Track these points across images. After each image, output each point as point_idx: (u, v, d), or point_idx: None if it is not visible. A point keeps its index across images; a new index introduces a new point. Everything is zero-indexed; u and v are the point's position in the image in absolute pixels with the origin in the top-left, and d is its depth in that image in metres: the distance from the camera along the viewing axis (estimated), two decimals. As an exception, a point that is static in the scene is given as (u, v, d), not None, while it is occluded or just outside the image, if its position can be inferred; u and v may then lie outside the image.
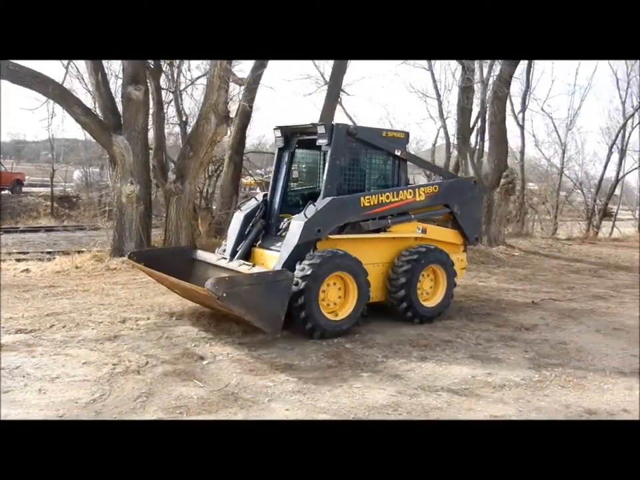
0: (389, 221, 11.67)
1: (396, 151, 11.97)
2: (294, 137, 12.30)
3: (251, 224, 11.82)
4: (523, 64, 28.58)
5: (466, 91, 24.96)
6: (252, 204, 12.26)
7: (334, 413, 7.25)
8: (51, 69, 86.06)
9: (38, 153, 64.30)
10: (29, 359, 8.89)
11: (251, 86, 22.65)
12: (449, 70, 28.42)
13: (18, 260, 17.48)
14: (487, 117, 25.82)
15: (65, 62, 19.78)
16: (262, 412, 7.23)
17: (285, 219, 11.36)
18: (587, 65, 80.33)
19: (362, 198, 11.26)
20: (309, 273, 10.12)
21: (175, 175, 17.41)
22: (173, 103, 23.50)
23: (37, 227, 33.51)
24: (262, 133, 30.15)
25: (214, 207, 24.02)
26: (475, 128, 28.28)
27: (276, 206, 12.17)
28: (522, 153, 33.40)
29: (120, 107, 17.60)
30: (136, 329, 10.49)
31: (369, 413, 7.26)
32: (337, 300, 10.73)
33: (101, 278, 14.95)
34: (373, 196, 11.43)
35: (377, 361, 9.28)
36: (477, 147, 27.94)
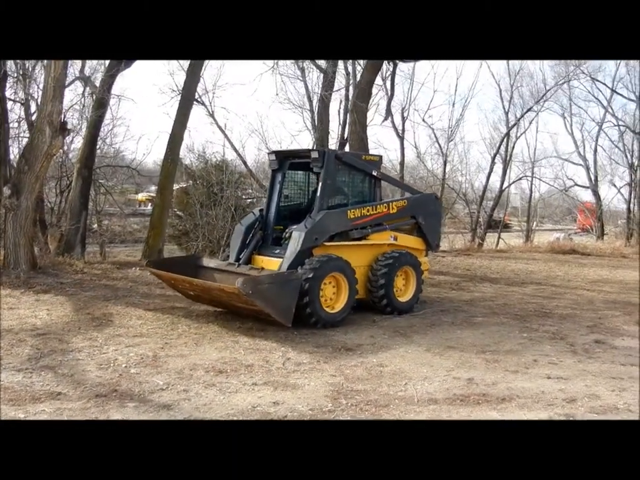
0: (369, 230, 13.95)
1: (373, 172, 14.41)
2: (287, 160, 14.43)
3: (251, 234, 13.78)
4: (389, 71, 28.36)
5: (326, 99, 24.82)
6: (251, 217, 14.26)
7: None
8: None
9: None
10: None
11: (100, 95, 22.01)
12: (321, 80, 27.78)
13: None
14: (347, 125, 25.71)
15: None
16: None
17: (287, 230, 13.57)
18: (468, 75, 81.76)
19: (348, 211, 13.62)
20: (310, 275, 12.13)
21: (10, 190, 16.62)
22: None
23: None
24: (121, 145, 29.63)
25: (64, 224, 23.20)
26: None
27: (271, 219, 14.18)
28: (401, 164, 33.35)
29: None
30: None
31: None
32: (332, 296, 12.85)
33: None
34: (357, 209, 13.73)
35: (155, 389, 8.58)
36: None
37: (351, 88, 26.55)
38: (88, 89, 24.25)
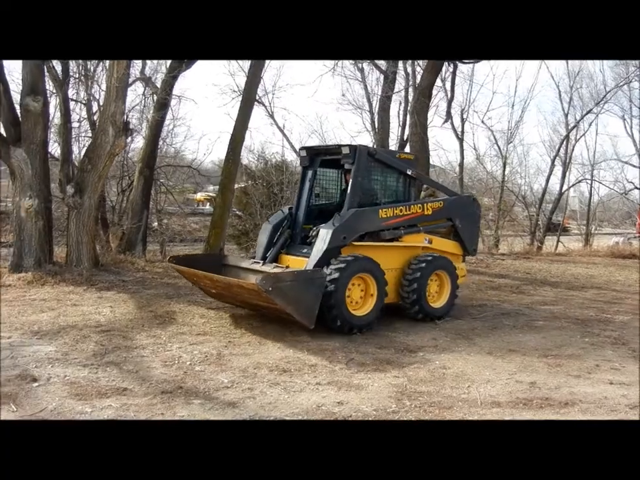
0: (402, 231, 13.28)
1: (408, 170, 13.64)
2: (318, 157, 13.82)
3: (278, 233, 13.30)
4: (448, 72, 28.22)
5: (387, 101, 24.76)
6: (279, 215, 13.78)
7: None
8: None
9: (-11, 167, 63.85)
10: None
11: (162, 96, 22.18)
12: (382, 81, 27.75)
13: None
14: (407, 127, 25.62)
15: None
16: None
17: (314, 227, 12.76)
18: (527, 77, 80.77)
19: (380, 210, 12.89)
20: (336, 276, 11.52)
21: (74, 189, 16.81)
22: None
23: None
24: (181, 145, 30.02)
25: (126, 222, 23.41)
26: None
27: (300, 218, 13.62)
28: (461, 166, 33.18)
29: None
30: (-12, 348, 9.95)
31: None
32: (359, 299, 12.19)
33: (-10, 294, 14.36)
34: (389, 209, 13.01)
35: (220, 386, 8.66)
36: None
37: (410, 89, 26.43)
38: (148, 89, 24.45)
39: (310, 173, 13.91)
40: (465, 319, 13.93)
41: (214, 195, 46.56)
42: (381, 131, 25.98)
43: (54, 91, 18.67)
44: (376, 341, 11.55)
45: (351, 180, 12.76)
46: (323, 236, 12.08)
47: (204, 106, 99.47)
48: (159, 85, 23.63)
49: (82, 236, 17.00)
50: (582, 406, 8.20)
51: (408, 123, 26.81)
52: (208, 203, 49.20)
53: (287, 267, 12.40)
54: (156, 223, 26.38)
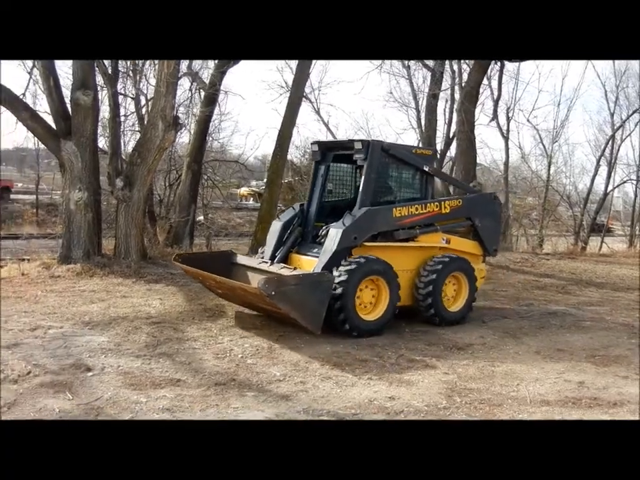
0: (418, 231, 12.57)
1: (424, 167, 12.84)
2: (330, 152, 13.23)
3: (288, 231, 12.67)
4: (494, 70, 28.13)
5: (433, 99, 24.72)
6: (290, 212, 13.09)
7: (192, 434, 6.78)
8: (15, 73, 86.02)
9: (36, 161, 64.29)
10: None
11: (210, 91, 22.30)
12: (428, 79, 27.75)
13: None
14: (453, 125, 25.57)
15: (29, 66, 19.48)
16: (115, 430, 6.80)
17: (324, 226, 12.21)
18: (573, 76, 79.98)
19: (394, 209, 12.21)
20: (345, 278, 11.00)
21: (123, 182, 16.97)
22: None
23: (18, 233, 33.43)
24: (227, 140, 30.21)
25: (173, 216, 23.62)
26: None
27: (312, 215, 13.03)
28: (506, 164, 32.94)
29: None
30: (40, 338, 10.15)
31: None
32: (370, 302, 11.62)
33: (41, 285, 14.63)
34: (404, 207, 12.33)
35: (272, 379, 8.73)
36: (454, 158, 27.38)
37: (456, 87, 26.36)
38: (195, 84, 24.59)
39: (322, 168, 13.38)
40: (512, 317, 13.82)
41: (257, 190, 46.86)
42: (428, 129, 25.93)
43: (103, 86, 18.82)
44: (425, 337, 11.56)
45: (363, 177, 12.22)
46: (333, 236, 11.58)
47: (252, 102, 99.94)
48: (206, 80, 23.80)
49: (130, 228, 17.17)
50: (630, 407, 8.15)
51: (454, 120, 26.78)
52: (251, 198, 49.50)
53: (295, 268, 11.80)
54: (202, 217, 26.58)
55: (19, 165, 72.84)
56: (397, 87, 38.37)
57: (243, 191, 49.97)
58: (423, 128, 28.54)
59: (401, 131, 58.51)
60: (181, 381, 8.45)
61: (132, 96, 22.54)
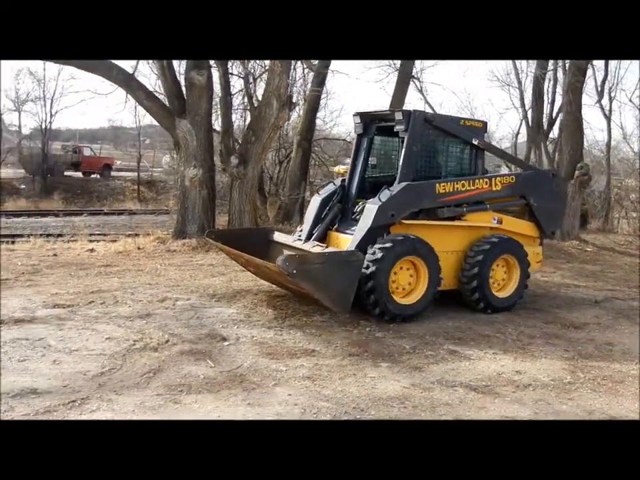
0: (464, 209, 11.64)
1: (473, 140, 11.88)
2: (372, 124, 12.36)
3: (327, 208, 11.93)
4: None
5: (541, 80, 24.49)
6: (330, 188, 12.37)
7: (336, 401, 7.05)
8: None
9: (135, 138, 65.33)
10: (55, 331, 9.09)
11: (320, 70, 22.51)
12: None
13: (90, 240, 17.98)
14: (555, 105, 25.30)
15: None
16: (263, 396, 7.13)
17: (360, 203, 11.51)
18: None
19: (437, 185, 11.31)
20: (379, 256, 10.19)
21: (238, 159, 17.31)
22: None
23: (121, 209, 34.28)
24: (334, 119, 30.37)
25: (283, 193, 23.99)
26: (558, 118, 27.43)
27: (353, 191, 12.24)
28: (608, 145, 32.34)
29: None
30: (171, 309, 10.51)
31: (372, 404, 7.02)
32: (407, 285, 10.77)
33: (158, 259, 15.10)
34: (449, 183, 11.42)
35: (402, 351, 8.96)
36: (559, 139, 27.03)
37: (559, 68, 26.02)
38: (304, 64, 24.84)
39: (365, 142, 12.49)
40: (624, 299, 13.68)
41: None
42: (536, 109, 25.71)
43: (214, 65, 19.16)
44: (541, 316, 11.63)
45: (404, 149, 11.29)
46: (368, 212, 10.83)
47: (359, 82, 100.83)
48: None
49: (244, 205, 17.54)
50: None
51: (559, 101, 26.52)
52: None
53: (327, 247, 11.12)
54: (309, 194, 26.88)
55: (114, 143, 74.16)
56: (497, 67, 38.21)
57: (339, 168, 50.20)
58: (526, 107, 28.36)
59: (503, 110, 58.01)
60: (315, 351, 8.74)
61: (241, 75, 22.89)
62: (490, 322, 10.88)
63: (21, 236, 20.97)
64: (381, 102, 78.13)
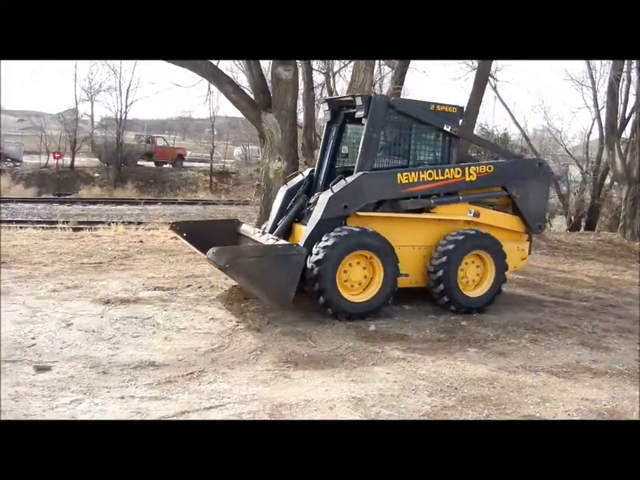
0: (432, 201, 10.85)
1: (445, 126, 11.02)
2: (341, 111, 11.78)
3: (293, 199, 11.40)
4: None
5: (615, 82, 24.62)
6: (297, 179, 11.93)
7: (431, 380, 7.66)
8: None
9: (202, 130, 66.09)
10: (161, 311, 9.82)
11: (400, 68, 22.96)
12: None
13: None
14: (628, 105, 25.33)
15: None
16: (364, 373, 7.74)
17: (316, 194, 11.06)
18: None
19: (399, 174, 10.57)
20: (321, 257, 9.65)
21: (320, 153, 17.86)
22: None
23: (195, 199, 35.01)
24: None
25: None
26: (631, 119, 27.49)
27: (321, 182, 11.63)
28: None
29: (270, 87, 18.23)
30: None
31: (464, 384, 7.63)
32: (361, 280, 10.18)
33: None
34: (413, 173, 10.65)
35: (487, 339, 9.57)
36: (632, 139, 27.09)
37: (634, 69, 26.06)
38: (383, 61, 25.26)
39: (334, 130, 11.87)
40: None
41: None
42: (612, 109, 25.80)
43: (298, 61, 19.71)
44: (614, 311, 12.06)
45: (363, 136, 10.52)
46: (320, 203, 10.24)
47: (433, 79, 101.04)
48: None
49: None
50: None
51: (632, 101, 26.61)
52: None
53: (277, 240, 10.43)
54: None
55: (182, 133, 75.09)
56: (571, 66, 38.12)
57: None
58: (599, 107, 28.51)
59: (576, 109, 57.71)
60: (406, 336, 9.41)
61: (323, 71, 23.46)
62: (565, 315, 11.38)
63: (102, 222, 21.91)
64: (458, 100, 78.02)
